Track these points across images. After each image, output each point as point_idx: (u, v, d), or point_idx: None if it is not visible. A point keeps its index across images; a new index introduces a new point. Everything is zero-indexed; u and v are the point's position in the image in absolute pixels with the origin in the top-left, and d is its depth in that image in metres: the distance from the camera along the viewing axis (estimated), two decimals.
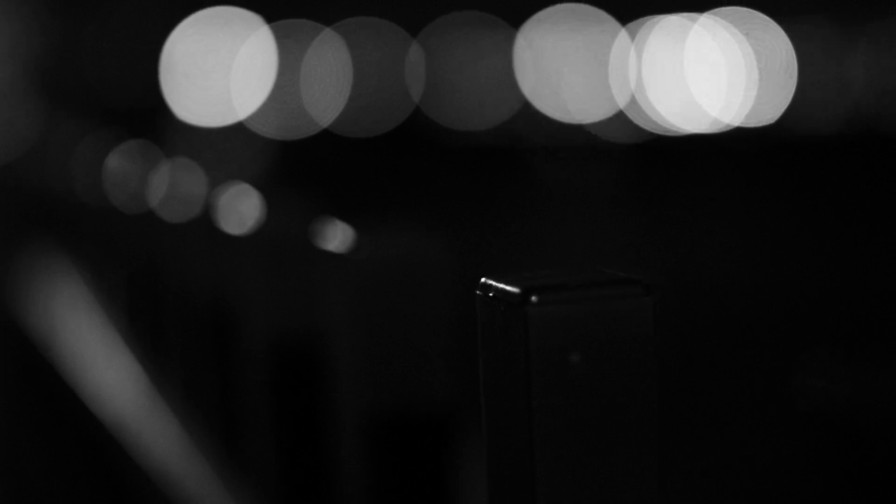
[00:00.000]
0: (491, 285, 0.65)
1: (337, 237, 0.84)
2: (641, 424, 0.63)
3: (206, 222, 1.24)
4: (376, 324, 0.83)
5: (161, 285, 1.52)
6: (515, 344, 0.64)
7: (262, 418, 1.04)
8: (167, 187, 1.48)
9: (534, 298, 0.62)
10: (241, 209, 1.18)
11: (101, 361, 1.91)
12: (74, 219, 2.44)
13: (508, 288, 0.64)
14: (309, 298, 1.00)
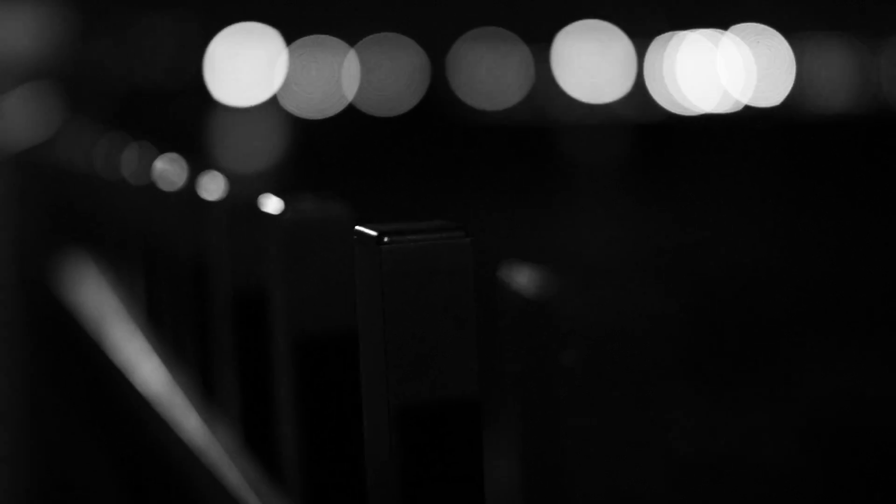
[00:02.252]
0: (359, 231, 0.85)
1: (367, 226, 0.85)
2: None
3: (238, 203, 1.24)
4: (404, 311, 0.83)
5: (190, 270, 1.52)
6: (373, 274, 0.83)
7: (288, 406, 1.04)
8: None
9: (385, 239, 0.82)
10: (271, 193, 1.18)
11: (123, 345, 1.92)
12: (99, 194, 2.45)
13: (369, 232, 0.83)
14: (337, 286, 1.00)
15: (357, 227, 0.86)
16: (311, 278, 1.00)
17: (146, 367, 1.74)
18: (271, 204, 1.04)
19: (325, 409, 1.01)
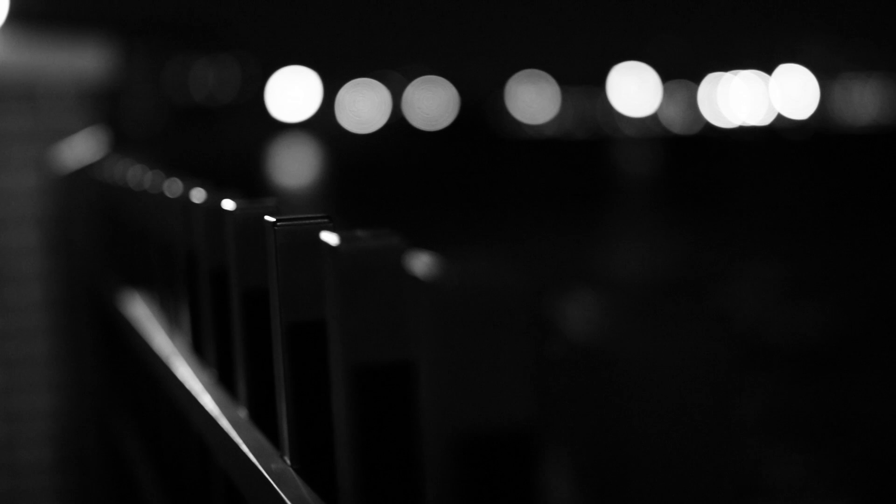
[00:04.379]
0: (413, 269, 0.82)
1: (424, 263, 0.85)
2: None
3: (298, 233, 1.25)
4: (461, 343, 0.84)
5: (241, 297, 1.53)
6: (428, 311, 0.68)
7: (344, 436, 1.05)
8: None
9: (439, 279, 0.80)
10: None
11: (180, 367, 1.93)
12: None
13: (422, 271, 0.67)
14: (395, 316, 1.01)
15: (411, 265, 0.86)
16: (367, 309, 1.01)
17: (195, 392, 1.75)
18: (328, 235, 1.04)
19: (383, 440, 1.01)
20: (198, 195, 1.79)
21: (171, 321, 2.25)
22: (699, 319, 0.68)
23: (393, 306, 1.01)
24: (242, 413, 1.56)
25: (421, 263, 0.86)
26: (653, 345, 0.67)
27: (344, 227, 1.06)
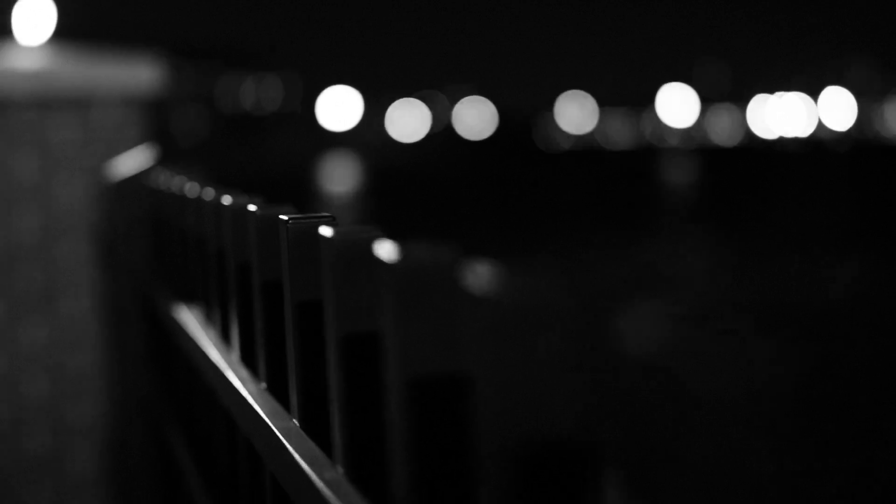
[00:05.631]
0: (466, 285, 0.78)
1: (480, 278, 0.86)
2: None
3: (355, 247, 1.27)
4: (517, 358, 0.84)
5: (295, 308, 1.54)
6: (482, 327, 0.67)
7: (402, 450, 1.06)
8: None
9: (492, 296, 0.76)
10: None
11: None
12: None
13: (476, 288, 0.67)
14: (452, 330, 1.02)
15: (467, 278, 0.87)
16: (424, 322, 1.02)
17: (247, 400, 1.77)
18: (384, 249, 1.05)
19: (439, 451, 1.02)
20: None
21: (219, 332, 2.27)
22: (754, 334, 0.68)
23: (449, 319, 1.02)
24: (294, 423, 1.57)
25: (476, 276, 0.87)
26: (710, 360, 0.67)
27: (399, 240, 1.07)
